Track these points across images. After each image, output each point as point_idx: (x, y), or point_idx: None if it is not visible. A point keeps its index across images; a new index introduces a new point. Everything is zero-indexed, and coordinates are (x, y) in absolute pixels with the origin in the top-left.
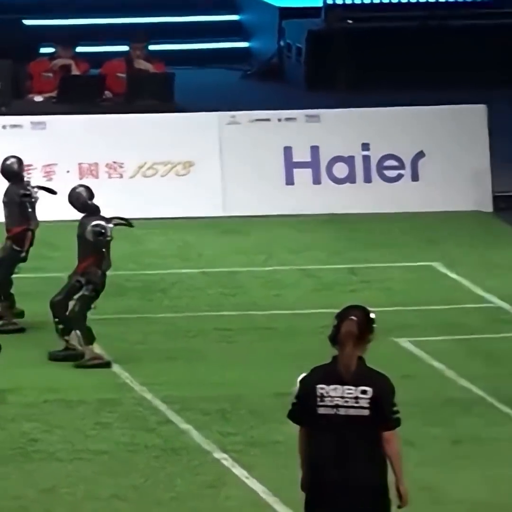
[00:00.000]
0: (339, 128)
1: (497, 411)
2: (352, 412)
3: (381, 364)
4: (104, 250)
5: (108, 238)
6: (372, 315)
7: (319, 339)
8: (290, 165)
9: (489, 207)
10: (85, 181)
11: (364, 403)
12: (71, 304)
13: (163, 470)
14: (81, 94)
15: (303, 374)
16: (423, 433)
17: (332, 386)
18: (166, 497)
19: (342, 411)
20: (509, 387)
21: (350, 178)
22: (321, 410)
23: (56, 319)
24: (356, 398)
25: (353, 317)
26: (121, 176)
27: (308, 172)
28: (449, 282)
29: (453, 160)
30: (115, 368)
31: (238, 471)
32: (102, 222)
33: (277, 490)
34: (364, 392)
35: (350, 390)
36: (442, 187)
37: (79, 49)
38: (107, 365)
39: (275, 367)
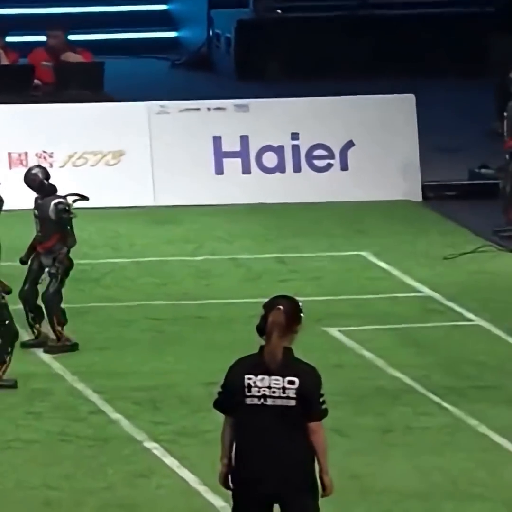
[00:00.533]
0: (269, 118)
1: (427, 400)
2: (279, 402)
3: (311, 354)
4: (68, 227)
5: (72, 215)
6: (300, 305)
7: (249, 329)
8: (220, 154)
9: (418, 197)
10: (14, 171)
11: (291, 393)
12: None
13: (94, 460)
14: (11, 84)
15: (231, 364)
16: (352, 422)
17: (259, 377)
18: (97, 487)
19: (269, 402)
20: (439, 376)
21: (280, 168)
22: (249, 400)
23: (29, 310)
24: (283, 388)
25: (280, 307)
26: (51, 166)
27: (237, 162)
28: (378, 272)
29: (382, 150)
30: (47, 357)
31: (169, 460)
32: (63, 200)
33: (207, 479)
34: (291, 382)
35: (277, 381)
36: (371, 177)
37: (9, 38)
38: (75, 347)
39: (206, 357)
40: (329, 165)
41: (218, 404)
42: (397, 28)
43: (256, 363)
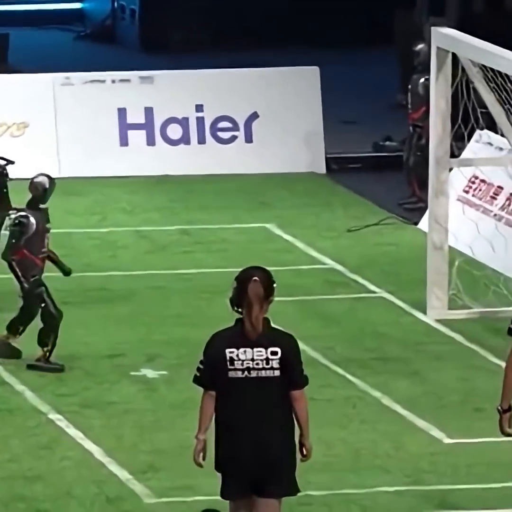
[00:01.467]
0: (173, 90)
1: (331, 372)
2: (263, 373)
3: (216, 326)
4: (5, 190)
5: (8, 179)
6: (272, 275)
7: (154, 300)
8: (125, 126)
9: (322, 169)
10: None
11: (274, 364)
12: None
13: None
14: None
15: (208, 339)
16: None
17: (241, 349)
18: (1, 458)
19: (253, 374)
20: (343, 348)
21: (184, 140)
22: (231, 374)
23: None
24: (267, 359)
25: (256, 278)
26: None
27: (142, 134)
28: (282, 244)
29: (286, 122)
30: None
31: (73, 432)
32: None
33: (111, 451)
34: (274, 353)
35: (260, 352)
36: (275, 149)
37: None
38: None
39: (110, 329)
40: (234, 137)
41: (198, 380)
42: (301, 1)
43: (236, 336)
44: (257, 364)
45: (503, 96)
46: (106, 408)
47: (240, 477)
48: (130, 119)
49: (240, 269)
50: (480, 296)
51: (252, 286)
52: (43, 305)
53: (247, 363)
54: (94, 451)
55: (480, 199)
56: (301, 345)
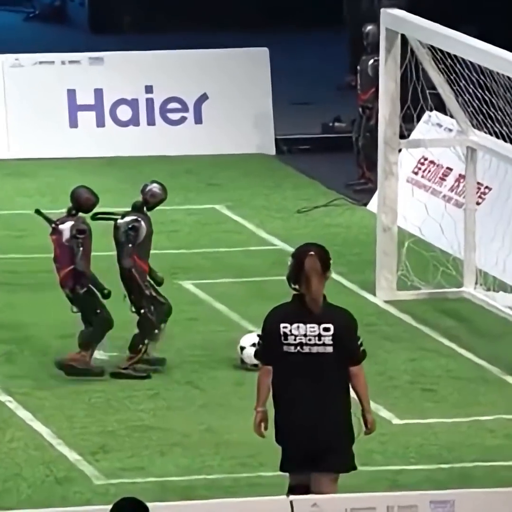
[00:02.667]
0: (123, 71)
1: None
2: (315, 349)
3: None
4: None
5: None
6: (328, 252)
7: (107, 281)
8: (74, 107)
9: (271, 150)
10: None
11: (327, 340)
12: None
13: None
14: None
15: (267, 313)
16: (207, 375)
17: (294, 325)
18: None
19: (305, 349)
20: None
21: (134, 121)
22: (285, 348)
23: None
24: (319, 335)
25: (312, 253)
26: None
27: (91, 115)
28: (232, 225)
29: (236, 103)
30: None
31: (23, 413)
32: None
33: (61, 432)
34: (326, 329)
35: (313, 328)
36: (225, 130)
37: None
38: None
39: (61, 310)
40: (183, 119)
41: (258, 354)
42: None
43: (291, 312)
44: (309, 340)
45: (452, 77)
46: (56, 389)
47: (296, 451)
48: (79, 101)
49: (189, 251)
50: (429, 277)
51: (309, 260)
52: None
53: (300, 339)
54: (43, 433)
55: (429, 180)
56: (250, 326)
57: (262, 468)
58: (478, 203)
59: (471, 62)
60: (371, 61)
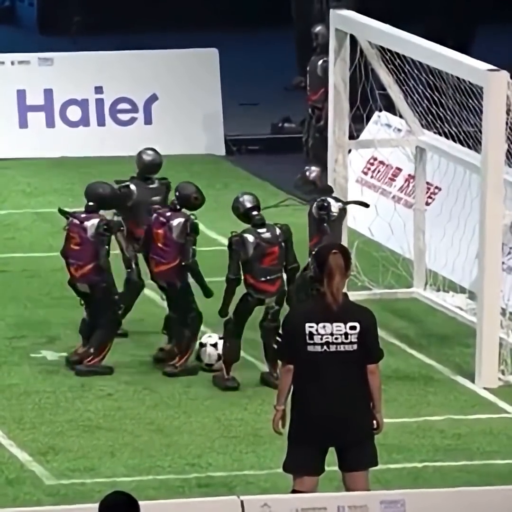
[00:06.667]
0: (73, 72)
1: None
2: (342, 348)
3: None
4: None
5: None
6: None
7: (54, 282)
8: (24, 108)
9: (221, 151)
10: None
11: (353, 338)
12: None
13: None
14: None
15: (287, 313)
16: (157, 375)
17: (321, 324)
18: None
19: (332, 348)
20: (247, 330)
21: (84, 122)
22: (311, 348)
23: None
24: (346, 334)
25: (336, 251)
26: None
27: (41, 115)
28: None
29: (185, 104)
30: None
31: None
32: None
33: (11, 433)
34: (353, 328)
35: (339, 327)
36: (175, 131)
37: None
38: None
39: (10, 311)
40: (133, 119)
41: (278, 353)
42: None
43: (316, 310)
44: (336, 338)
45: (401, 78)
46: (6, 390)
47: (313, 452)
48: (29, 101)
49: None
50: (379, 277)
51: (333, 258)
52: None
53: (326, 338)
54: None
55: (379, 180)
56: (202, 327)
57: (212, 468)
58: (427, 204)
59: (420, 62)
60: (320, 62)
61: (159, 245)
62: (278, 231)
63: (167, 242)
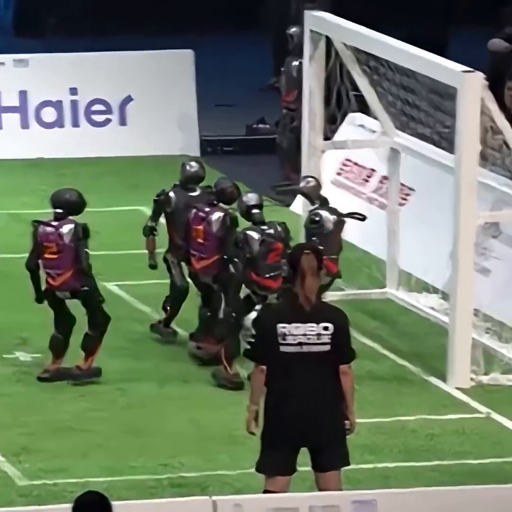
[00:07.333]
0: (47, 73)
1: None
2: (315, 348)
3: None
4: None
5: None
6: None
7: (27, 283)
8: None
9: (196, 151)
10: None
11: (326, 339)
12: None
13: None
14: None
15: (259, 313)
16: (131, 376)
17: (293, 325)
18: None
19: (305, 349)
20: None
21: (58, 123)
22: (283, 348)
23: None
24: (319, 334)
25: (308, 251)
26: None
27: (16, 117)
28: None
29: (160, 105)
30: None
31: None
32: None
33: None
34: (326, 328)
35: (312, 327)
36: (150, 132)
37: None
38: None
39: None
40: (108, 120)
41: (250, 353)
42: None
43: (288, 310)
44: (309, 339)
45: (375, 79)
46: None
47: (286, 452)
48: (4, 102)
49: (113, 252)
50: (353, 278)
51: (305, 258)
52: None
53: (299, 338)
54: None
55: (353, 181)
56: (175, 327)
57: (184, 469)
58: (401, 205)
59: (395, 64)
60: (295, 63)
61: (199, 240)
62: (279, 228)
63: (207, 237)
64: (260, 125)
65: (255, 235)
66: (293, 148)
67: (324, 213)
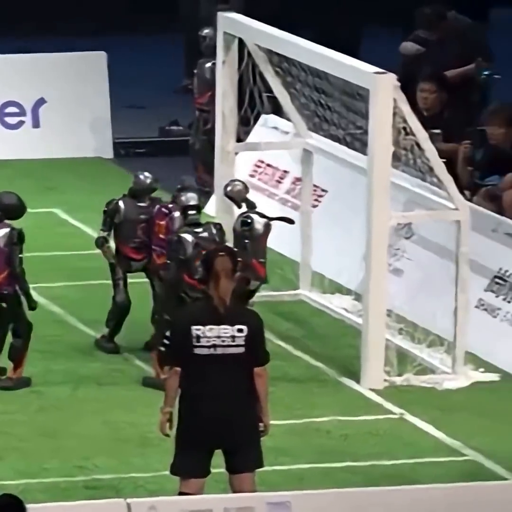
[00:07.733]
0: None
1: (118, 356)
2: (229, 350)
3: None
4: None
5: None
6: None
7: None
8: None
9: (109, 154)
10: None
11: (240, 341)
12: None
13: None
14: None
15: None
16: (45, 379)
17: (207, 327)
18: None
19: (219, 351)
20: (130, 332)
21: None
22: (197, 351)
23: None
24: (233, 337)
25: (222, 253)
26: None
27: None
28: (70, 228)
29: (73, 107)
30: None
31: None
32: None
33: None
34: (240, 330)
35: (226, 330)
36: (63, 134)
37: None
38: None
39: None
40: (21, 123)
41: (166, 357)
42: None
43: (203, 313)
44: (223, 341)
45: (288, 80)
46: None
47: (200, 454)
48: None
49: (26, 254)
50: (266, 279)
51: (220, 260)
52: None
53: (213, 340)
54: None
55: (266, 183)
56: (87, 329)
57: (99, 471)
58: (314, 206)
59: (307, 65)
60: (208, 65)
61: (161, 236)
62: (214, 230)
63: (169, 233)
64: (173, 127)
65: (188, 237)
66: (206, 150)
67: (255, 216)
